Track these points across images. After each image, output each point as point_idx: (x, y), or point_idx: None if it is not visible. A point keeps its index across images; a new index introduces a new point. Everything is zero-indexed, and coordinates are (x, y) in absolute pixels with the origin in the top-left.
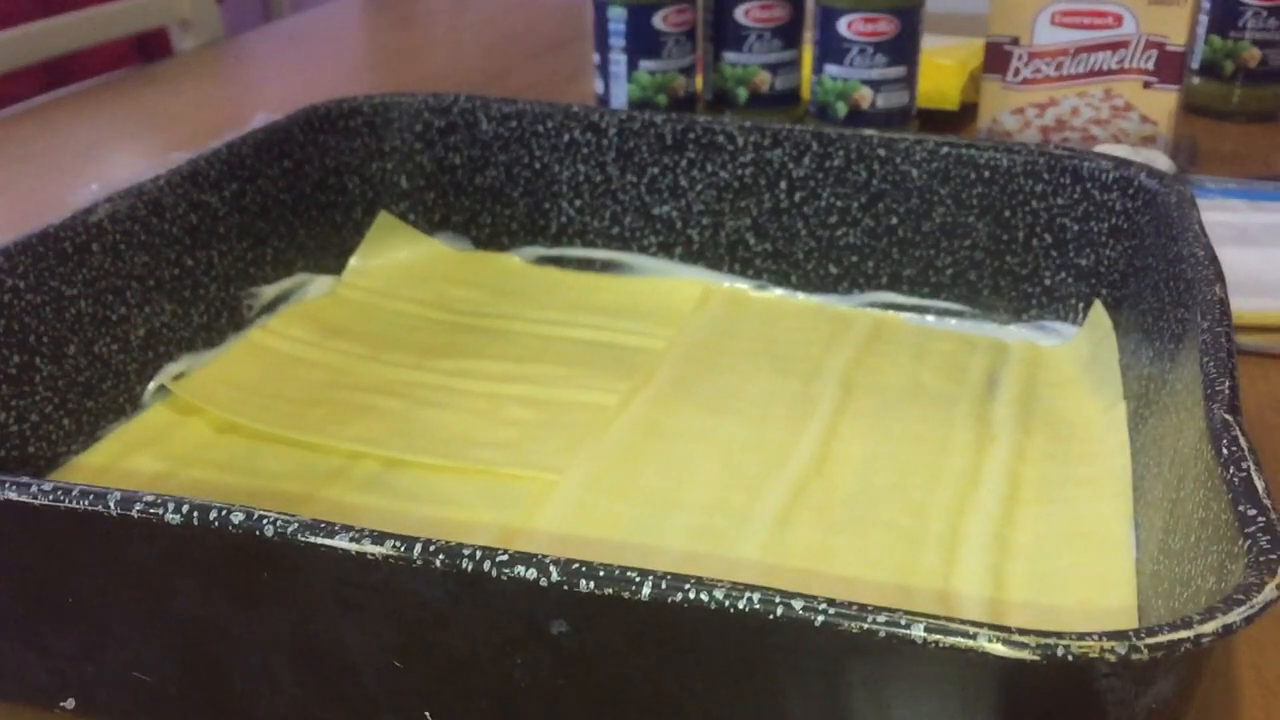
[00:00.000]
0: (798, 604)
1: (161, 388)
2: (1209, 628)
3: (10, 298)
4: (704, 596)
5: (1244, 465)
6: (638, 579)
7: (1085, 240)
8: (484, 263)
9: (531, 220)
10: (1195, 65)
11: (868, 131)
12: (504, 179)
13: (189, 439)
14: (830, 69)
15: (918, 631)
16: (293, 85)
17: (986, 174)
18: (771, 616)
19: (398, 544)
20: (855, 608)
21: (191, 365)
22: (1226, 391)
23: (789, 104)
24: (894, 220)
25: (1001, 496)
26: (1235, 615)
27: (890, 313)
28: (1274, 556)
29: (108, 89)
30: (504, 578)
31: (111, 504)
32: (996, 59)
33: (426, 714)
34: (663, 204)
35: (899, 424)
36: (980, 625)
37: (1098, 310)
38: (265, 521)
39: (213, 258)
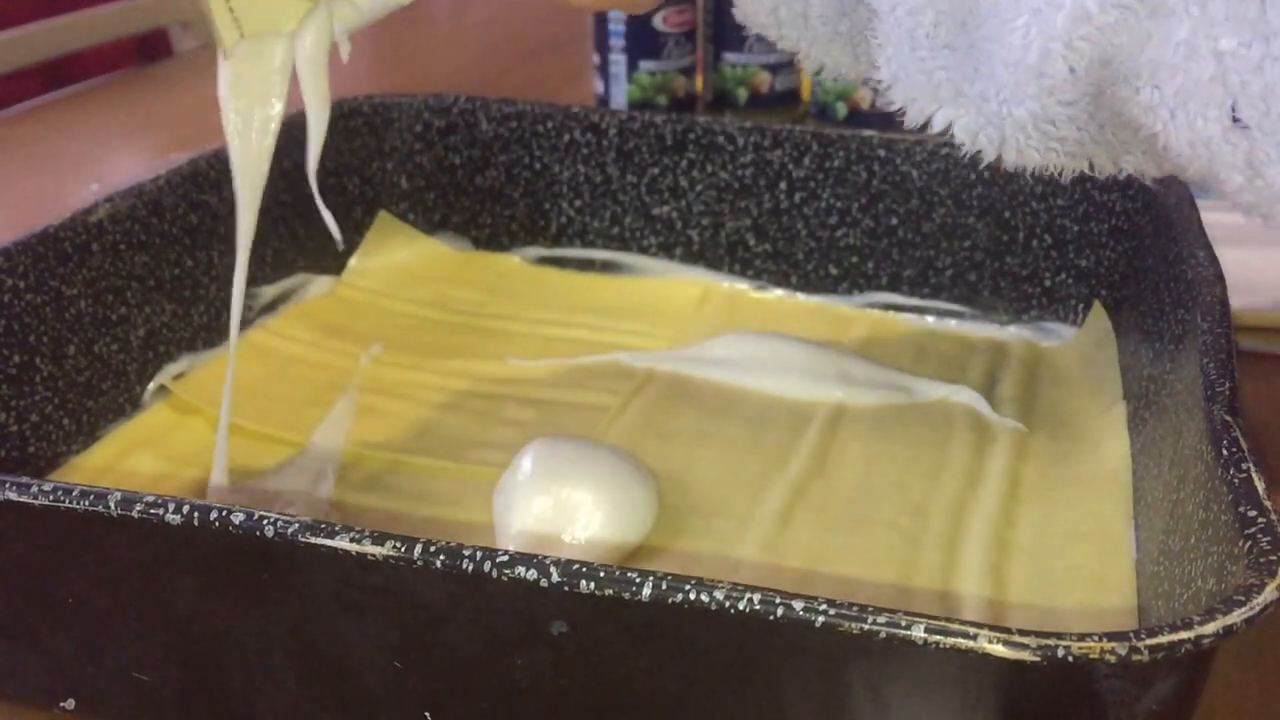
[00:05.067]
0: (798, 605)
1: (161, 388)
2: (1209, 629)
3: (10, 298)
4: (704, 597)
5: (1244, 466)
6: (638, 579)
7: (1085, 241)
8: (484, 263)
9: (531, 220)
10: None
11: (868, 132)
12: (504, 179)
13: (189, 439)
14: None
15: (918, 632)
16: (293, 85)
17: (986, 174)
18: (771, 617)
19: (398, 544)
20: (855, 608)
21: (191, 365)
22: (1226, 392)
23: (789, 104)
24: (894, 221)
25: (1001, 496)
26: (1235, 616)
27: (890, 313)
28: (1274, 558)
29: (108, 89)
30: (504, 578)
31: (111, 504)
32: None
33: (426, 714)
34: (663, 204)
35: (899, 424)
36: (980, 626)
37: (1097, 311)
38: (265, 522)
39: (213, 258)
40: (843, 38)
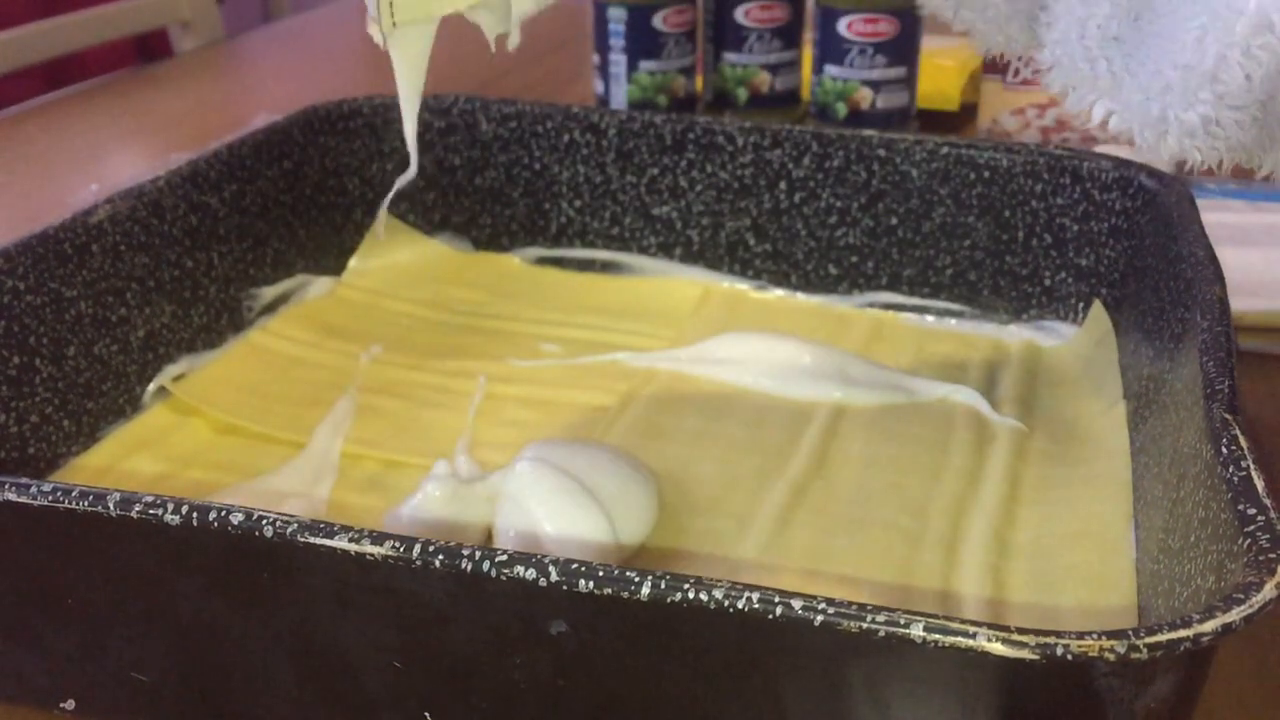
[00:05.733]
0: (797, 604)
1: (161, 389)
2: (1208, 627)
3: (10, 299)
4: (704, 596)
5: (1243, 464)
6: (637, 579)
7: (1085, 240)
8: (484, 263)
9: (531, 221)
10: None
11: (868, 132)
12: (504, 180)
13: (189, 440)
14: (830, 69)
15: (917, 631)
16: (293, 86)
17: (986, 174)
18: (771, 616)
19: (396, 544)
20: (855, 608)
21: (191, 366)
22: (1226, 391)
23: (789, 104)
24: (894, 220)
25: (1001, 496)
26: (1235, 614)
27: (890, 313)
28: (1273, 555)
29: (108, 90)
30: (504, 578)
31: (111, 505)
32: (997, 60)
33: (426, 714)
34: (662, 204)
35: (899, 424)
36: (980, 625)
37: (1097, 310)
38: (265, 522)
39: (213, 259)
40: (1021, 15)
